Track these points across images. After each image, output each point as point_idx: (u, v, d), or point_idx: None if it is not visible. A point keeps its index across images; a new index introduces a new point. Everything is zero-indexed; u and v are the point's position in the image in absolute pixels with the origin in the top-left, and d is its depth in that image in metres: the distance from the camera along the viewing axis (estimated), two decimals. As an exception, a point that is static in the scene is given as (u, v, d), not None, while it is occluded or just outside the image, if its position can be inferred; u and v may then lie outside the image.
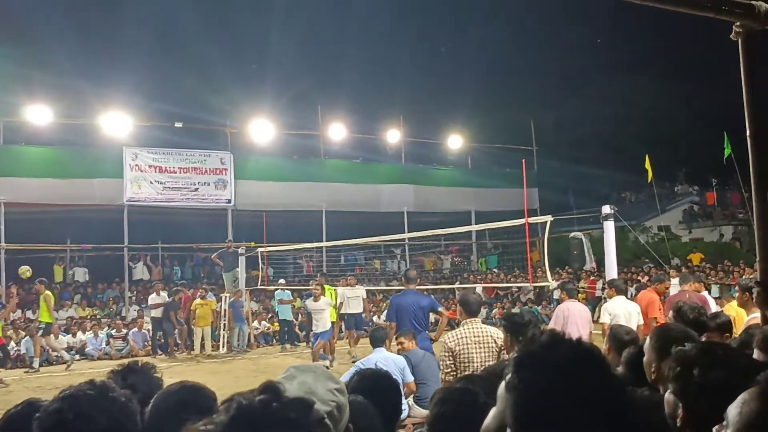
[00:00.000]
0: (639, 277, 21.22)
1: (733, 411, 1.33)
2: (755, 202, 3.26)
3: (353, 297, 15.43)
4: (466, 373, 4.98)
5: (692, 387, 1.89)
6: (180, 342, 17.35)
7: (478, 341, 5.37)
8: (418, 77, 42.35)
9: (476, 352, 5.35)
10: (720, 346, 2.21)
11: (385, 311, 16.40)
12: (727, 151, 18.65)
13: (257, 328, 18.83)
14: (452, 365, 5.37)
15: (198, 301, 17.23)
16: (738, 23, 3.06)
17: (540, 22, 41.91)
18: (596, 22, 37.07)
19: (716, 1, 2.90)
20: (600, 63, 41.26)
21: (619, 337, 4.18)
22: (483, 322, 5.73)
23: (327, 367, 11.76)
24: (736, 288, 14.68)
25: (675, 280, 11.31)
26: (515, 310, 20.68)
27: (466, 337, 5.43)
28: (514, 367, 1.40)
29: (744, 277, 14.26)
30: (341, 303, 15.31)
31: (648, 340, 2.87)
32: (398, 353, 6.98)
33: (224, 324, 17.63)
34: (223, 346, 17.46)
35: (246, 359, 16.39)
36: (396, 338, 7.46)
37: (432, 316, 12.36)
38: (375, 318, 20.15)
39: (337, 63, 42.85)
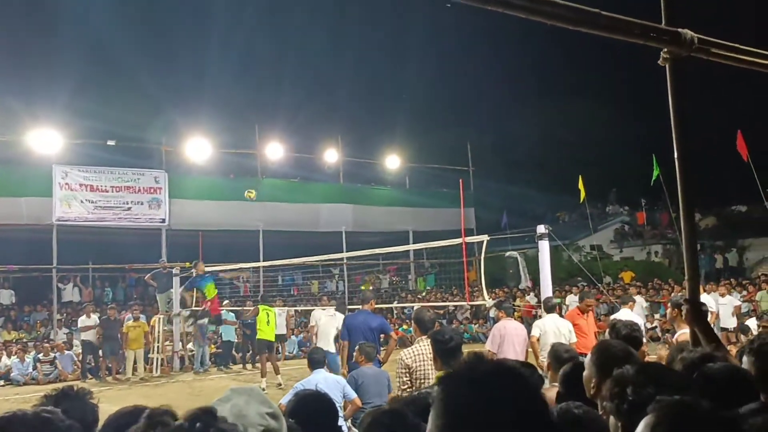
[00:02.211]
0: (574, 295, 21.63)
1: None
2: (683, 222, 3.36)
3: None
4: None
5: (626, 406, 1.92)
6: (111, 365, 16.84)
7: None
8: (356, 97, 42.61)
9: (432, 369, 5.38)
10: (653, 366, 2.26)
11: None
12: (656, 173, 19.27)
13: (191, 350, 18.42)
14: (409, 382, 5.40)
15: (130, 323, 16.75)
16: (665, 50, 3.17)
17: (477, 46, 42.75)
18: (531, 46, 38.02)
19: (645, 28, 3.00)
20: (535, 86, 42.42)
21: (558, 354, 4.24)
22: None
23: (262, 389, 11.61)
24: (665, 305, 15.14)
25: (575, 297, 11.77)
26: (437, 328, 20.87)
27: (422, 353, 5.48)
28: (438, 386, 1.41)
29: (674, 294, 14.72)
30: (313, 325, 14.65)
31: (589, 356, 2.91)
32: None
33: (157, 346, 17.21)
34: (156, 369, 17.00)
35: (180, 382, 15.99)
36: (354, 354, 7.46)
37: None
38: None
39: (276, 82, 42.80)
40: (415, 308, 17.00)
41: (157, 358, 17.18)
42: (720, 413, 1.33)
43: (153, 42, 39.28)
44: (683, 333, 5.55)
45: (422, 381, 5.39)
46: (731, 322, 13.99)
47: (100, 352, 16.78)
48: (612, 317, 9.00)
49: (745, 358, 2.69)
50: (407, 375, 5.41)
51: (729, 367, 2.52)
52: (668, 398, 1.49)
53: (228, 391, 1.92)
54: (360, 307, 9.51)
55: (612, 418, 2.05)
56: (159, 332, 17.33)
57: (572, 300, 13.54)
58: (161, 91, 33.85)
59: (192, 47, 40.95)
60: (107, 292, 24.17)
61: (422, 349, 5.51)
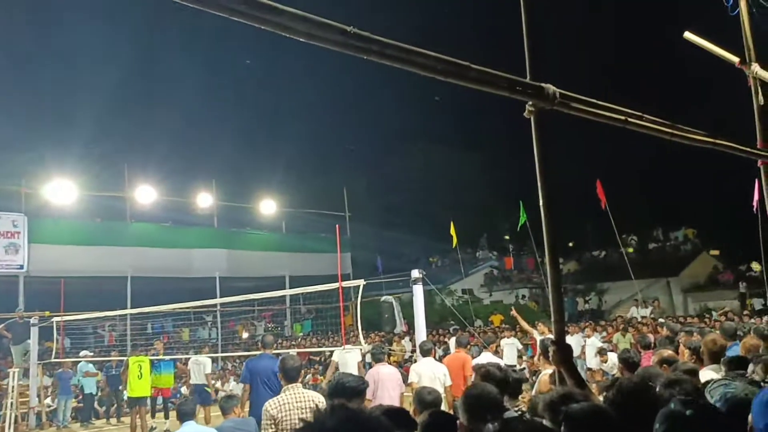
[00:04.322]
0: (446, 339, 22.01)
1: None
2: (549, 267, 3.52)
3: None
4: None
5: None
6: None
7: (301, 407, 5.29)
8: (231, 140, 42.12)
9: (298, 418, 5.25)
10: (517, 423, 2.31)
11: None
12: (522, 219, 20.11)
13: (50, 406, 17.19)
14: None
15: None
16: (530, 102, 3.35)
17: (353, 89, 43.42)
18: (404, 93, 39.01)
19: (511, 82, 3.16)
20: (409, 133, 43.53)
21: (422, 397, 4.29)
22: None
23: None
24: (532, 346, 15.68)
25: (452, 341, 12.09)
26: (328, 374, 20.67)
27: (288, 403, 5.32)
28: None
29: (538, 329, 15.22)
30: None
31: (460, 401, 2.93)
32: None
33: (11, 402, 15.94)
34: (9, 428, 15.70)
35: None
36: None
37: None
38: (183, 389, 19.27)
39: (147, 122, 41.62)
40: (289, 354, 16.79)
41: (11, 415, 15.89)
42: None
43: (13, 77, 37.29)
44: (546, 373, 5.78)
45: None
46: (594, 362, 14.68)
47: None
48: (474, 362, 9.20)
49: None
50: (273, 426, 5.25)
51: (591, 406, 2.62)
52: None
53: None
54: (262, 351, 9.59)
55: None
56: (14, 387, 16.07)
57: (452, 343, 13.83)
58: (21, 129, 32.10)
59: (56, 82, 39.14)
60: (-44, 345, 22.24)
61: (288, 398, 5.38)
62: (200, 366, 14.67)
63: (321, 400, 5.38)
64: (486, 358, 8.75)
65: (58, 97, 38.86)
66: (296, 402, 5.33)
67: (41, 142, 31.44)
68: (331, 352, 22.40)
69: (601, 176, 18.84)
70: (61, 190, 21.63)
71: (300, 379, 5.71)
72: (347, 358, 13.72)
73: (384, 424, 1.46)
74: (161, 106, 42.75)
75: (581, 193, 23.06)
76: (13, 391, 16.03)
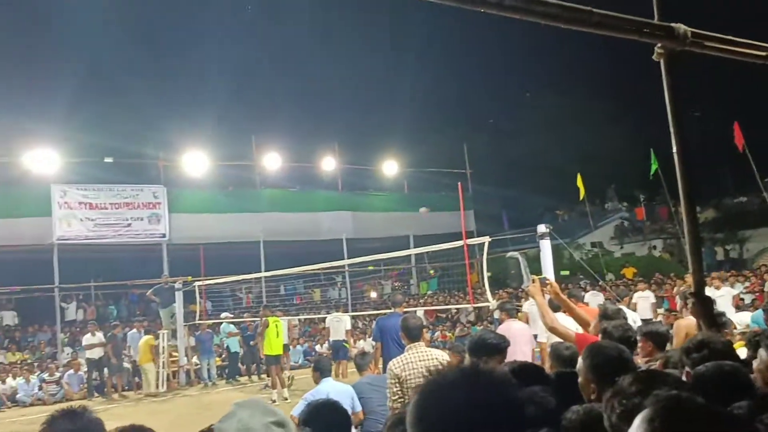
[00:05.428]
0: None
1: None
2: (684, 215, 3.37)
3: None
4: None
5: (614, 419, 1.92)
6: (117, 382, 16.87)
7: (424, 365, 5.31)
8: (352, 104, 42.64)
9: (423, 377, 5.28)
10: (647, 374, 2.23)
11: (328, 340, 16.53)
12: (654, 167, 19.26)
13: (197, 364, 18.38)
14: (400, 392, 5.27)
15: (147, 337, 16.86)
16: (659, 44, 3.18)
17: (470, 45, 42.77)
18: (523, 44, 38.04)
19: (638, 24, 3.01)
20: (529, 84, 42.41)
21: (559, 353, 4.21)
22: (428, 345, 5.71)
23: (285, 399, 11.69)
24: (668, 299, 15.11)
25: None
26: (457, 332, 20.83)
27: (411, 362, 5.33)
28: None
29: (677, 288, 14.67)
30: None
31: (581, 360, 2.86)
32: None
33: (163, 362, 17.18)
34: (162, 385, 16.96)
35: (187, 396, 15.97)
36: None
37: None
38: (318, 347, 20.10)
39: (271, 92, 42.82)
40: (417, 312, 17.11)
41: (163, 373, 17.15)
42: (713, 407, 1.35)
43: (147, 57, 39.38)
44: (685, 318, 5.56)
45: (415, 390, 5.25)
46: (730, 314, 13.96)
47: (106, 370, 16.78)
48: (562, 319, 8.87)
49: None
50: (397, 385, 5.29)
51: (720, 365, 2.51)
52: (664, 393, 1.50)
53: (232, 406, 1.95)
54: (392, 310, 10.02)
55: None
56: (164, 347, 17.31)
57: (590, 297, 13.55)
58: (157, 106, 33.91)
59: (187, 60, 40.98)
60: (111, 310, 24.13)
61: (411, 357, 5.39)
62: (341, 323, 15.25)
63: (445, 358, 5.42)
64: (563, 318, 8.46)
65: (189, 75, 40.74)
66: (420, 360, 5.35)
67: (176, 117, 33.06)
68: (458, 309, 22.68)
69: (738, 118, 17.70)
70: (196, 162, 22.74)
71: (428, 336, 5.78)
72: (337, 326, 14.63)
73: (507, 385, 1.47)
74: (284, 74, 43.89)
75: (717, 136, 21.78)
76: (163, 352, 17.27)
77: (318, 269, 20.14)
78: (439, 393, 1.45)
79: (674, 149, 3.28)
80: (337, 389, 6.50)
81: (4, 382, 16.57)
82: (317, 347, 20.08)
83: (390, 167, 27.62)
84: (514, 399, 1.45)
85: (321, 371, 6.94)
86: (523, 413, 1.46)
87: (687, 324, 5.34)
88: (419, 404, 1.46)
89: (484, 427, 1.37)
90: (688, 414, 1.31)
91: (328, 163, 26.12)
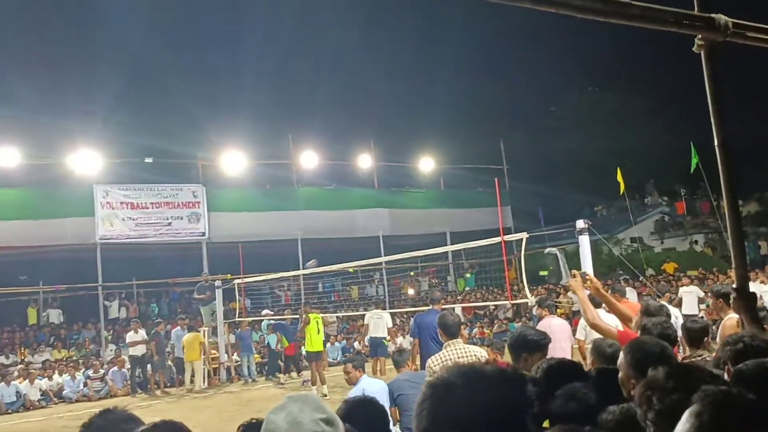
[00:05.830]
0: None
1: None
2: (727, 210, 3.31)
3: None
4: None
5: (652, 414, 1.89)
6: (159, 379, 17.15)
7: (464, 362, 5.29)
8: (387, 101, 42.69)
9: None
10: (684, 368, 2.20)
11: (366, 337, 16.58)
12: (695, 161, 18.90)
13: (237, 361, 18.59)
14: None
15: (190, 334, 17.14)
16: (699, 36, 3.13)
17: (506, 41, 42.51)
18: (559, 39, 37.71)
19: (677, 15, 2.97)
20: (566, 79, 41.96)
21: (601, 350, 4.14)
22: (466, 342, 5.71)
23: (324, 395, 11.77)
24: (708, 295, 14.90)
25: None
26: (495, 328, 20.74)
27: (449, 359, 5.33)
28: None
29: (718, 283, 14.41)
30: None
31: (622, 355, 2.83)
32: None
33: (204, 359, 17.42)
34: (204, 381, 17.20)
35: (228, 393, 16.17)
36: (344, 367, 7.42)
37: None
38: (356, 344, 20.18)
39: (307, 91, 43.11)
40: (455, 309, 17.07)
41: (205, 370, 17.40)
42: (762, 404, 1.34)
43: (185, 58, 39.95)
44: (730, 317, 5.45)
45: None
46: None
47: (149, 367, 17.09)
48: (580, 322, 8.83)
49: None
50: None
51: (762, 363, 2.46)
52: (713, 388, 1.49)
53: (285, 398, 1.96)
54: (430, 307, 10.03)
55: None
56: (205, 344, 17.55)
57: (630, 293, 13.43)
58: (196, 107, 34.36)
59: (223, 61, 41.52)
60: (153, 308, 24.54)
61: (449, 354, 5.37)
62: (381, 320, 15.29)
63: (483, 355, 5.39)
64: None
65: (227, 76, 41.21)
66: (458, 358, 5.34)
67: (214, 117, 33.48)
68: (496, 306, 22.58)
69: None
70: (234, 161, 22.99)
71: (466, 333, 5.77)
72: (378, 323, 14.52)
73: (515, 385, 1.49)
74: (319, 73, 44.12)
75: (760, 127, 21.33)
76: (205, 348, 17.53)
77: (355, 266, 20.23)
78: (446, 389, 1.48)
79: (716, 142, 3.22)
80: (374, 385, 6.51)
81: (50, 378, 16.97)
82: (355, 344, 20.17)
83: (426, 164, 27.57)
84: (519, 398, 1.47)
85: (358, 368, 6.97)
86: (530, 413, 1.48)
87: (731, 324, 5.23)
88: (429, 398, 1.49)
89: (489, 424, 1.40)
90: (737, 410, 1.30)
91: (365, 161, 26.18)
